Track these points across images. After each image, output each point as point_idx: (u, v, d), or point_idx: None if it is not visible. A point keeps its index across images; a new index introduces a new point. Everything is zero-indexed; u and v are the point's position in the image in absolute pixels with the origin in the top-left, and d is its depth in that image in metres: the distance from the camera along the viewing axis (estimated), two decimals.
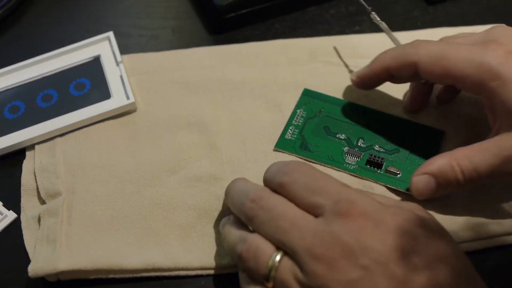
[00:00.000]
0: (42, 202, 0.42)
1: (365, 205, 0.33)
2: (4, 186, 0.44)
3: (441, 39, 0.44)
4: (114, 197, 0.42)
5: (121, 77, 0.48)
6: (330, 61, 0.50)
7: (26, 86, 0.48)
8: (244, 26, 0.54)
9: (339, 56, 0.50)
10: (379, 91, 0.47)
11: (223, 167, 0.43)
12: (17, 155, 0.45)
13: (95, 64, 0.49)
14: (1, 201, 0.43)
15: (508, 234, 0.40)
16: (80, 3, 0.56)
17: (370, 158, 0.43)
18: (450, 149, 0.39)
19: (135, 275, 0.38)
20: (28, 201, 0.42)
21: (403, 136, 0.44)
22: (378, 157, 0.43)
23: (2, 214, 0.42)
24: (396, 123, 0.45)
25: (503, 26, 0.41)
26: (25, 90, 0.48)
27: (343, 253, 0.32)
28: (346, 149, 0.44)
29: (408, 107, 0.46)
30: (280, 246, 0.33)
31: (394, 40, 0.47)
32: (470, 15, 0.54)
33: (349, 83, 0.48)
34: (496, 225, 0.40)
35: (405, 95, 0.47)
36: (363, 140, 0.44)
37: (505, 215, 0.40)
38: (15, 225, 0.41)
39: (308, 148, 0.43)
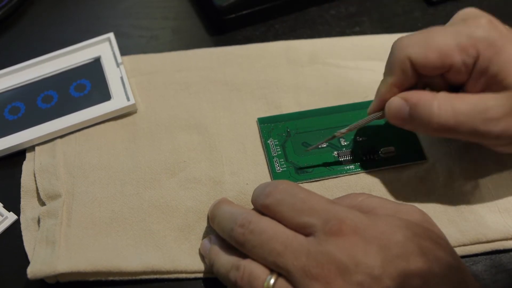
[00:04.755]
0: (42, 203, 0.42)
1: (356, 221, 0.33)
2: (5, 188, 0.44)
3: None
4: (114, 199, 0.42)
5: (122, 78, 0.48)
6: (331, 63, 0.50)
7: (26, 87, 0.48)
8: (244, 27, 0.54)
9: (340, 58, 0.50)
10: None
11: (223, 169, 0.43)
12: (18, 156, 0.45)
13: (95, 65, 0.49)
14: (2, 203, 0.43)
15: (506, 239, 0.40)
16: (80, 3, 0.56)
17: (363, 150, 0.44)
18: None
19: (134, 277, 0.38)
20: (27, 203, 0.42)
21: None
22: (368, 146, 0.44)
23: (2, 216, 0.42)
24: (360, 109, 0.46)
25: (467, 8, 0.40)
26: (25, 91, 0.48)
27: (338, 271, 0.32)
28: (336, 153, 0.44)
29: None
30: (274, 269, 0.34)
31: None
32: None
33: (349, 84, 0.48)
34: (493, 229, 0.40)
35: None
36: (344, 138, 0.45)
37: (499, 219, 0.40)
38: (16, 227, 0.42)
39: (304, 170, 0.43)
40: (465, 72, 0.37)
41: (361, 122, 0.42)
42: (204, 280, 0.39)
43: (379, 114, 0.41)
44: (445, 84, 0.39)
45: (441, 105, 0.37)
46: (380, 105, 0.41)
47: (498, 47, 0.36)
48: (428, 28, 0.39)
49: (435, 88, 0.39)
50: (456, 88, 0.39)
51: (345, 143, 0.44)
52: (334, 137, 0.42)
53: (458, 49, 0.37)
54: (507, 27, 0.38)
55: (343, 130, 0.42)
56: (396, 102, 0.39)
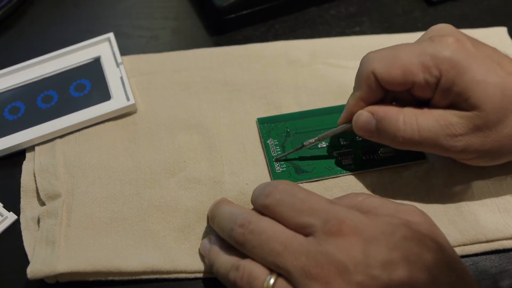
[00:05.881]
0: (42, 203, 0.42)
1: (355, 221, 0.33)
2: (4, 188, 0.44)
3: None
4: (114, 198, 0.42)
5: (121, 78, 0.48)
6: (331, 63, 0.50)
7: (26, 87, 0.48)
8: (244, 27, 0.54)
9: (340, 58, 0.50)
10: None
11: (223, 169, 0.43)
12: (17, 156, 0.45)
13: (95, 65, 0.49)
14: (1, 203, 0.43)
15: (506, 238, 0.40)
16: (80, 3, 0.56)
17: (363, 150, 0.44)
18: None
19: (134, 277, 0.38)
20: (27, 203, 0.42)
21: None
22: (368, 146, 0.44)
23: (2, 216, 0.42)
24: None
25: (439, 24, 0.41)
26: (25, 91, 0.48)
27: (338, 271, 0.32)
28: (335, 153, 0.44)
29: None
30: (273, 269, 0.34)
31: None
32: (471, 16, 0.54)
33: (349, 84, 0.47)
34: (493, 229, 0.40)
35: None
36: (343, 138, 0.45)
37: (498, 219, 0.41)
38: (15, 227, 0.41)
39: (303, 170, 0.43)
40: (428, 90, 0.38)
41: (330, 132, 0.42)
42: (204, 280, 0.39)
43: (348, 125, 0.42)
44: (412, 98, 0.39)
45: (406, 120, 0.38)
46: (348, 117, 0.41)
47: (462, 67, 0.37)
48: (397, 44, 0.40)
49: (403, 102, 0.40)
50: (423, 102, 0.39)
51: (345, 143, 0.44)
52: (302, 146, 0.43)
53: (421, 68, 0.37)
54: (476, 43, 0.38)
55: (312, 140, 0.43)
56: (364, 115, 0.40)
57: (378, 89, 0.39)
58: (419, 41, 0.40)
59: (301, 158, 0.44)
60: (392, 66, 0.38)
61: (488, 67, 0.37)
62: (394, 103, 0.41)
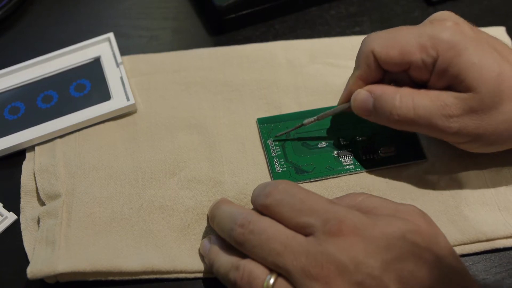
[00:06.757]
0: (42, 203, 0.42)
1: (355, 221, 0.33)
2: (4, 188, 0.44)
3: None
4: (114, 198, 0.42)
5: (121, 78, 0.48)
6: (330, 63, 0.50)
7: (26, 87, 0.48)
8: (244, 27, 0.54)
9: (340, 58, 0.50)
10: None
11: (223, 169, 0.43)
12: (17, 156, 0.45)
13: (95, 65, 0.49)
14: (1, 203, 0.43)
15: (506, 237, 0.40)
16: (80, 3, 0.56)
17: (363, 150, 0.44)
18: None
19: (133, 277, 0.38)
20: (27, 203, 0.42)
21: None
22: (368, 146, 0.44)
23: (2, 216, 0.42)
24: None
25: (440, 11, 0.41)
26: (25, 91, 0.48)
27: (338, 271, 0.32)
28: (336, 153, 0.44)
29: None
30: (273, 268, 0.34)
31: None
32: (470, 16, 0.54)
33: None
34: (493, 228, 0.40)
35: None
36: (343, 138, 0.45)
37: (499, 218, 0.41)
38: (15, 227, 0.42)
39: (303, 170, 0.43)
40: (425, 71, 0.39)
41: (329, 112, 0.43)
42: (204, 280, 0.39)
43: (347, 105, 0.42)
44: (409, 81, 0.40)
45: (402, 99, 0.39)
46: (348, 96, 0.42)
47: (459, 49, 0.37)
48: (398, 27, 0.40)
49: (400, 84, 0.40)
50: (421, 85, 0.40)
51: (345, 143, 0.44)
52: (302, 125, 0.44)
53: (419, 48, 0.38)
54: (476, 29, 0.39)
55: (312, 119, 0.43)
56: (362, 94, 0.41)
57: (377, 69, 0.40)
58: (420, 25, 0.40)
59: (301, 158, 0.44)
60: (390, 45, 0.39)
61: (485, 51, 0.38)
62: (392, 84, 0.41)
